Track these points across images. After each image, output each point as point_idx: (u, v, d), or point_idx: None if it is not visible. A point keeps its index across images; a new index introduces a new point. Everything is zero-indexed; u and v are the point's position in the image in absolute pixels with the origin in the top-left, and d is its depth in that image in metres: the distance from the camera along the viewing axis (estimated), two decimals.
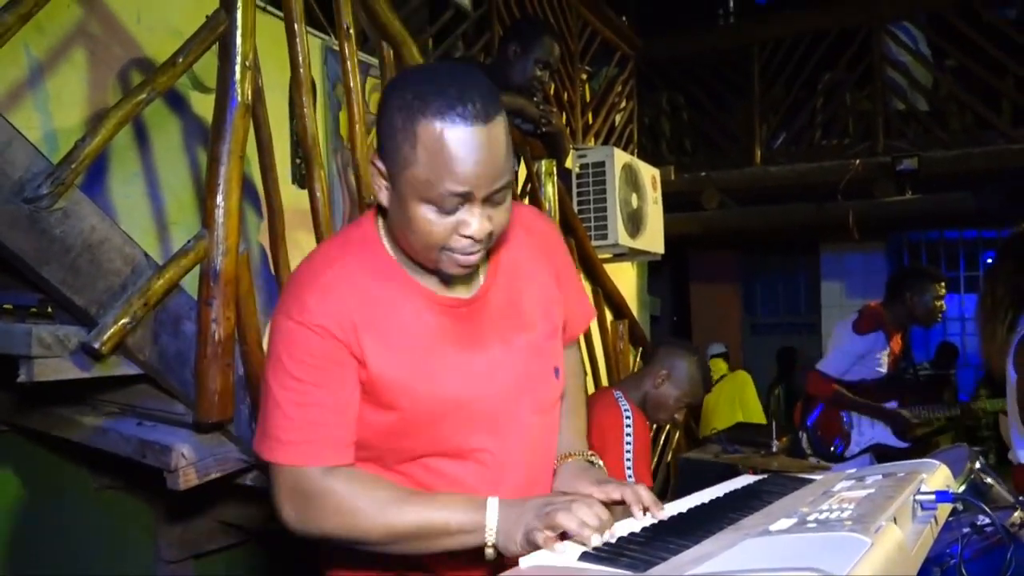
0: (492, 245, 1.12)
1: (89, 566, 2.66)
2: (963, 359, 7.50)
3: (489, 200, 1.05)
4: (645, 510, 1.11)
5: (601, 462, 1.34)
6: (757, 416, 5.40)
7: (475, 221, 1.04)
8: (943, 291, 3.49)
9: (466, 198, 1.03)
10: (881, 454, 3.51)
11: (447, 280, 1.16)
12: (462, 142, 1.00)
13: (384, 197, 1.10)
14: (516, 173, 1.19)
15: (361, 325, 1.10)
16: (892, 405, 3.46)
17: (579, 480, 1.22)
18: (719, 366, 6.00)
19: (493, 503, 1.06)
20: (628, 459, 2.20)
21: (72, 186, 1.58)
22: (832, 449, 3.52)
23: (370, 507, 1.07)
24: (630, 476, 2.20)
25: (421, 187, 1.02)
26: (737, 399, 5.54)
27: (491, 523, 1.05)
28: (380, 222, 1.18)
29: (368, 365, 1.10)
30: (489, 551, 1.05)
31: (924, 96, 5.40)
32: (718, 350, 6.56)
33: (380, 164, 1.09)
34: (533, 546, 1.00)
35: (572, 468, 1.28)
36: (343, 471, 1.10)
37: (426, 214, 1.04)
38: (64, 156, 1.58)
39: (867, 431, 3.50)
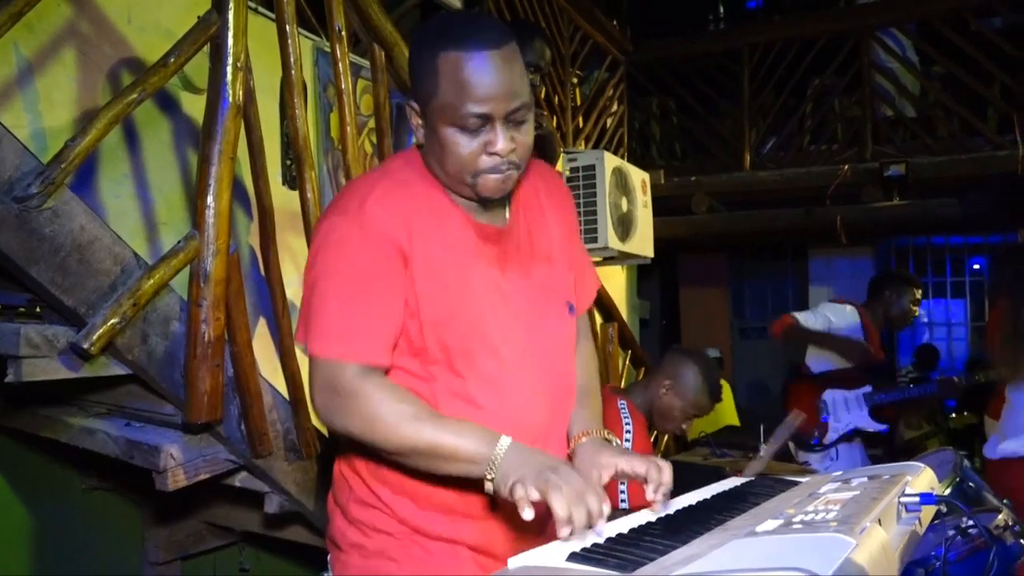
0: (519, 176, 1.22)
1: (76, 567, 2.65)
2: (948, 363, 7.56)
3: (510, 120, 1.16)
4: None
5: (618, 440, 1.38)
6: (733, 419, 5.43)
7: (500, 139, 1.15)
8: (919, 296, 3.66)
9: (487, 119, 1.14)
10: (869, 445, 3.58)
11: (480, 208, 1.26)
12: (477, 66, 1.12)
13: (420, 135, 1.23)
14: (533, 99, 1.26)
15: (415, 231, 1.19)
16: (866, 389, 3.54)
17: (601, 454, 1.27)
18: None
19: (505, 442, 1.10)
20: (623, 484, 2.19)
21: (62, 186, 1.58)
22: (811, 440, 3.57)
23: (391, 416, 1.12)
24: (622, 490, 2.19)
25: (447, 113, 1.14)
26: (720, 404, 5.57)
27: (496, 459, 1.09)
28: (421, 155, 1.27)
29: (415, 267, 1.18)
30: (488, 485, 1.10)
31: (912, 103, 5.44)
32: (712, 355, 6.60)
33: (413, 104, 1.21)
34: (513, 497, 1.04)
35: (592, 444, 1.32)
36: (376, 377, 1.16)
37: (455, 138, 1.16)
38: (54, 156, 1.57)
39: (843, 416, 3.55)
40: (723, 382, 5.59)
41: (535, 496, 1.02)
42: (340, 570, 1.33)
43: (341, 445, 1.36)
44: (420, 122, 1.22)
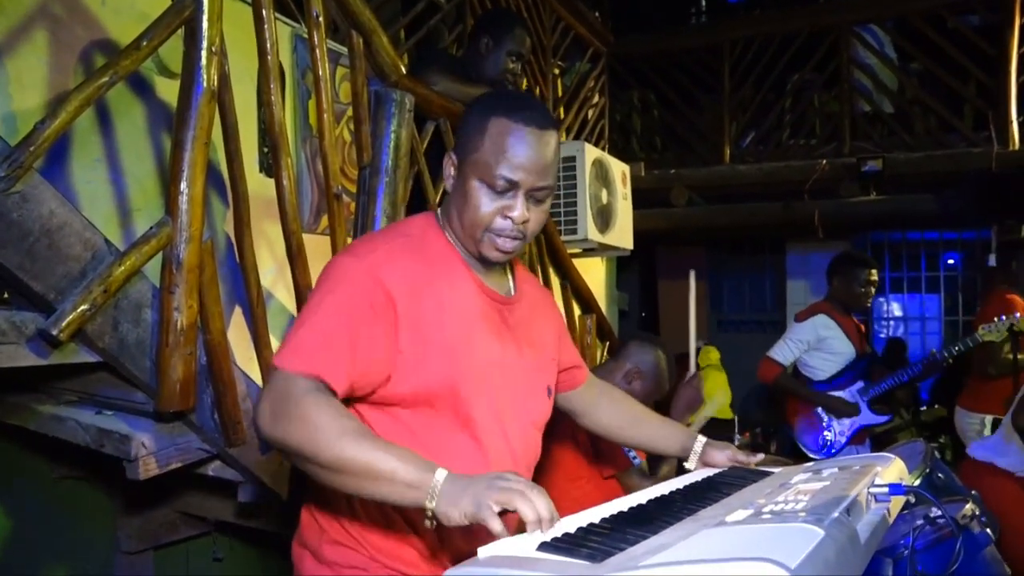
0: (523, 247, 1.33)
1: (47, 557, 2.61)
2: (922, 357, 7.65)
3: (532, 195, 1.28)
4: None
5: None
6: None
7: (518, 207, 1.27)
8: (870, 275, 3.60)
9: (514, 186, 1.26)
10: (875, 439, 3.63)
11: (488, 275, 1.37)
12: (520, 138, 1.25)
13: (449, 184, 1.34)
14: (555, 186, 1.35)
15: (419, 291, 1.25)
16: (858, 386, 3.57)
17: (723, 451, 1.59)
18: (712, 355, 6.05)
19: (442, 473, 1.07)
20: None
21: (31, 169, 1.55)
22: (820, 445, 3.59)
23: (332, 429, 1.09)
24: (633, 456, 2.23)
25: (481, 169, 1.27)
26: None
27: (436, 487, 1.06)
28: (438, 216, 1.38)
29: (416, 328, 1.23)
30: (428, 511, 1.06)
31: (889, 98, 5.49)
32: (699, 346, 6.65)
33: (453, 156, 1.34)
34: (478, 520, 1.01)
35: (715, 444, 1.62)
36: (324, 395, 1.14)
37: (481, 194, 1.27)
38: (23, 139, 1.54)
39: (845, 418, 3.58)
40: (722, 373, 5.60)
41: (497, 509, 1.01)
42: None
43: (311, 489, 1.37)
44: (454, 172, 1.34)
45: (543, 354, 1.47)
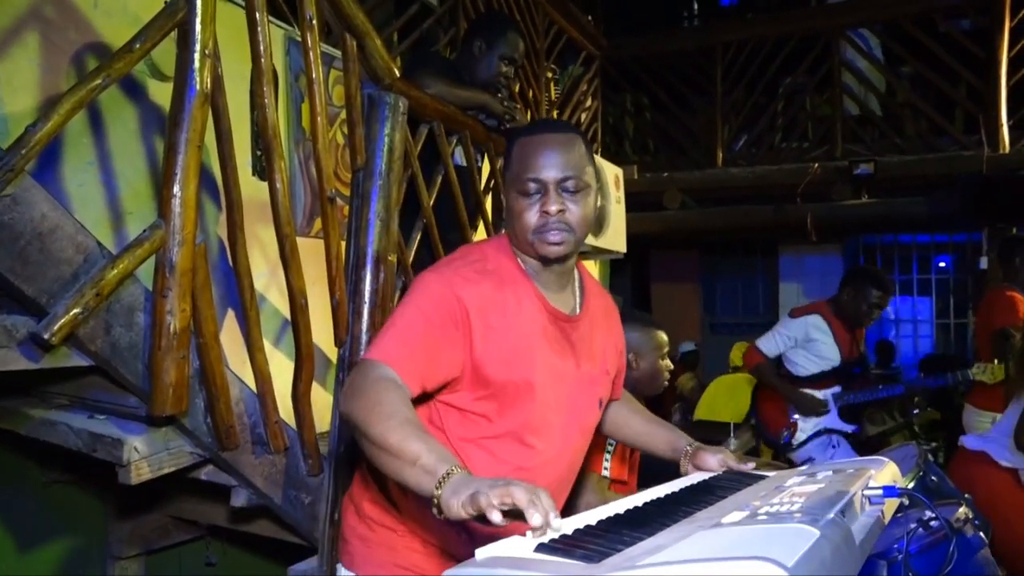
0: (575, 242, 1.44)
1: (38, 562, 2.60)
2: (915, 360, 7.69)
3: (563, 188, 1.40)
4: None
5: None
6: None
7: (552, 201, 1.39)
8: (881, 300, 3.57)
9: (541, 184, 1.40)
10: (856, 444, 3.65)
11: (556, 294, 1.51)
12: (538, 144, 1.42)
13: (505, 210, 1.51)
14: (592, 187, 1.47)
15: (488, 311, 1.39)
16: (835, 390, 3.61)
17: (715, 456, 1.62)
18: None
19: (460, 468, 1.11)
20: (610, 448, 2.22)
21: (22, 172, 1.54)
22: (780, 439, 3.63)
23: (385, 412, 1.21)
24: (606, 468, 2.22)
25: (514, 182, 1.43)
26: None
27: (446, 476, 1.09)
28: (509, 241, 1.52)
29: (486, 340, 1.38)
30: (434, 499, 1.09)
31: (879, 101, 5.52)
32: (688, 348, 6.63)
33: (504, 191, 1.51)
34: (476, 508, 1.02)
35: (707, 448, 1.66)
36: (395, 383, 1.28)
37: (519, 202, 1.42)
38: (14, 141, 1.53)
39: (812, 416, 3.62)
40: (746, 376, 5.50)
41: (495, 501, 1.02)
42: (347, 560, 1.56)
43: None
44: (505, 202, 1.49)
45: (600, 367, 1.60)
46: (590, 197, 1.45)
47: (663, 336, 2.43)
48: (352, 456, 1.93)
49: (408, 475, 1.15)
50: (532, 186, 1.40)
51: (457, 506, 1.04)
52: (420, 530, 1.46)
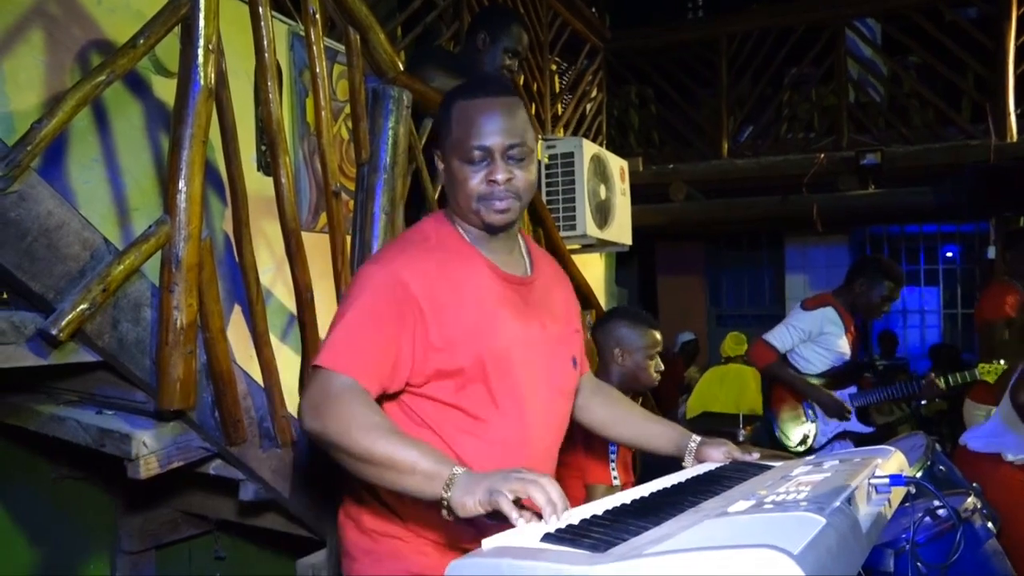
0: (520, 208, 1.41)
1: (48, 558, 2.61)
2: (921, 351, 7.67)
3: (508, 156, 1.36)
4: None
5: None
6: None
7: (499, 171, 1.36)
8: (893, 292, 3.47)
9: (487, 152, 1.36)
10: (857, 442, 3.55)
11: (504, 259, 1.46)
12: (481, 109, 1.36)
13: (442, 177, 1.45)
14: (535, 152, 1.44)
15: (437, 289, 1.34)
16: (851, 390, 3.49)
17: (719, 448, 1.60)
18: (739, 346, 5.89)
19: (460, 468, 1.14)
20: (613, 456, 2.22)
21: (28, 169, 1.55)
22: (799, 443, 3.52)
23: (362, 425, 1.20)
24: (614, 470, 2.21)
25: (457, 148, 1.37)
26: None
27: (453, 478, 1.11)
28: (447, 213, 1.48)
29: (441, 320, 1.33)
30: (443, 502, 1.11)
31: (885, 89, 5.50)
32: (687, 338, 6.60)
33: (437, 152, 1.45)
34: (493, 506, 1.05)
35: (710, 441, 1.64)
36: (360, 392, 1.25)
37: (463, 170, 1.37)
38: (19, 138, 1.54)
39: (832, 419, 3.50)
40: (748, 368, 5.46)
41: (512, 498, 1.04)
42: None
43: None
44: (441, 166, 1.44)
45: (566, 326, 1.56)
46: (533, 164, 1.42)
47: (655, 335, 2.39)
48: None
49: (407, 484, 1.15)
50: (477, 154, 1.36)
51: (473, 504, 1.07)
52: (426, 531, 1.42)
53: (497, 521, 1.04)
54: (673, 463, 1.66)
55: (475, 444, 1.37)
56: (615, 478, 2.21)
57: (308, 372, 1.79)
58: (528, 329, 1.43)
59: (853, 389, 3.50)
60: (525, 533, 0.97)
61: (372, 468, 1.18)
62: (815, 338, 3.50)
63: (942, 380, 3.40)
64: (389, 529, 1.43)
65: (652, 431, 1.72)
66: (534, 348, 1.44)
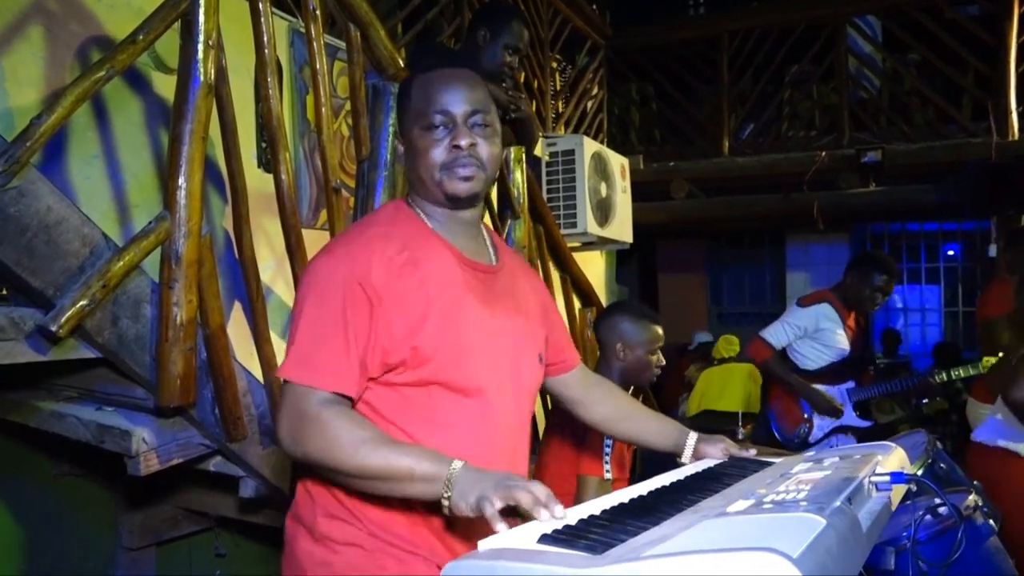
0: (485, 181, 1.34)
1: (48, 554, 2.61)
2: (922, 349, 7.66)
3: (471, 123, 1.31)
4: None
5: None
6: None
7: (462, 135, 1.30)
8: (886, 284, 3.46)
9: (449, 117, 1.31)
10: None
11: (467, 245, 1.39)
12: (439, 79, 1.33)
13: (402, 157, 1.40)
14: (499, 133, 1.38)
15: (398, 277, 1.26)
16: (849, 385, 3.50)
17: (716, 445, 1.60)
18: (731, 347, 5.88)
19: (458, 463, 1.13)
20: (607, 451, 2.21)
21: (27, 165, 1.54)
22: (795, 436, 3.52)
23: (349, 442, 1.15)
24: (607, 464, 2.21)
25: (417, 119, 1.32)
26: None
27: (451, 478, 1.11)
28: (407, 200, 1.41)
29: (404, 309, 1.25)
30: (444, 503, 1.11)
31: (885, 86, 5.49)
32: (704, 339, 6.56)
33: (397, 136, 1.42)
34: (479, 512, 1.06)
35: (708, 438, 1.63)
36: (338, 407, 1.20)
37: (425, 139, 1.31)
38: (19, 134, 1.54)
39: (828, 417, 3.50)
40: (751, 367, 5.44)
41: (499, 506, 1.04)
42: None
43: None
44: (402, 148, 1.39)
45: (531, 321, 1.47)
46: (498, 140, 1.36)
47: (657, 330, 2.39)
48: None
49: (407, 491, 1.15)
50: (438, 118, 1.30)
51: (465, 508, 1.08)
52: (389, 535, 1.28)
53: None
54: (673, 460, 1.66)
55: (441, 438, 1.26)
56: (607, 471, 2.21)
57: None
58: (494, 318, 1.36)
59: (851, 384, 3.51)
60: (521, 534, 0.96)
61: (368, 482, 1.17)
62: (812, 334, 3.50)
63: (944, 374, 3.41)
64: (349, 535, 1.27)
65: (650, 427, 1.70)
66: (499, 339, 1.36)
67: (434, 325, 1.27)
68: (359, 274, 1.24)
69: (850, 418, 3.49)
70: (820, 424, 3.50)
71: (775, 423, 3.59)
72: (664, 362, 2.44)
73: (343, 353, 1.21)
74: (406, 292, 1.26)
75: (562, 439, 2.28)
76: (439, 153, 1.31)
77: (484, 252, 1.43)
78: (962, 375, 3.41)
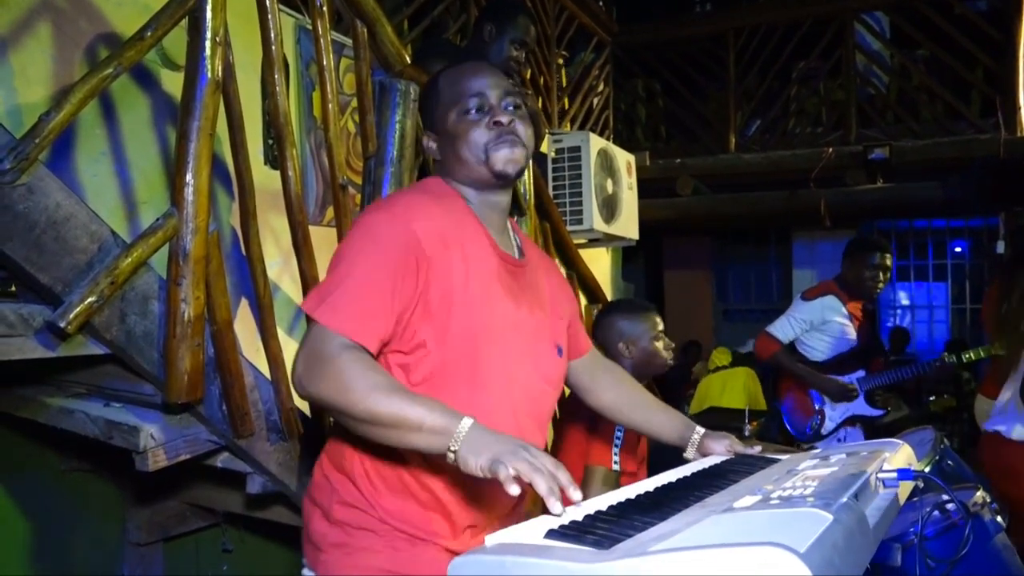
0: (526, 159, 1.36)
1: (56, 550, 2.63)
2: (930, 345, 7.64)
3: (506, 105, 1.36)
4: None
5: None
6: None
7: (500, 113, 1.34)
8: (882, 259, 3.42)
9: (485, 100, 1.35)
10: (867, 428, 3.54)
11: (499, 237, 1.41)
12: (467, 71, 1.39)
13: (437, 154, 1.42)
14: (527, 118, 1.41)
15: (447, 244, 1.28)
16: (859, 374, 3.49)
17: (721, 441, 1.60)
18: (724, 357, 5.95)
19: (468, 420, 1.13)
20: (618, 442, 2.22)
21: (36, 161, 1.55)
22: (808, 429, 3.52)
23: (362, 386, 1.15)
24: (616, 455, 2.21)
25: (452, 107, 1.36)
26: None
27: (461, 433, 1.10)
28: (446, 180, 1.42)
29: (443, 283, 1.27)
30: (450, 455, 1.11)
31: (893, 82, 5.46)
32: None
33: (428, 133, 1.44)
34: (493, 474, 1.04)
35: (713, 434, 1.64)
36: (358, 352, 1.20)
37: (464, 123, 1.35)
38: (27, 131, 1.54)
39: (840, 404, 3.49)
40: (748, 369, 5.44)
41: (514, 473, 1.03)
42: (324, 570, 1.37)
43: (326, 448, 1.42)
44: (435, 142, 1.42)
45: (553, 314, 1.50)
46: (530, 124, 1.39)
47: (653, 316, 2.39)
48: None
49: (414, 441, 1.14)
50: (474, 101, 1.35)
51: (475, 466, 1.07)
52: (400, 523, 1.33)
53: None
54: (679, 456, 1.66)
55: None
56: (616, 463, 2.21)
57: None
58: (518, 311, 1.38)
59: (861, 373, 3.49)
60: (529, 529, 0.97)
61: (377, 428, 1.16)
62: (818, 326, 3.50)
63: (955, 356, 3.40)
64: (363, 521, 1.34)
65: (658, 418, 1.71)
66: (522, 331, 1.38)
67: (464, 305, 1.28)
68: (414, 232, 1.26)
69: (862, 407, 3.48)
70: (832, 415, 3.49)
71: (787, 416, 3.58)
72: (673, 345, 2.45)
73: (382, 309, 1.23)
74: (451, 267, 1.28)
75: (574, 427, 2.28)
76: (480, 133, 1.34)
77: (511, 246, 1.46)
78: (972, 357, 3.40)
